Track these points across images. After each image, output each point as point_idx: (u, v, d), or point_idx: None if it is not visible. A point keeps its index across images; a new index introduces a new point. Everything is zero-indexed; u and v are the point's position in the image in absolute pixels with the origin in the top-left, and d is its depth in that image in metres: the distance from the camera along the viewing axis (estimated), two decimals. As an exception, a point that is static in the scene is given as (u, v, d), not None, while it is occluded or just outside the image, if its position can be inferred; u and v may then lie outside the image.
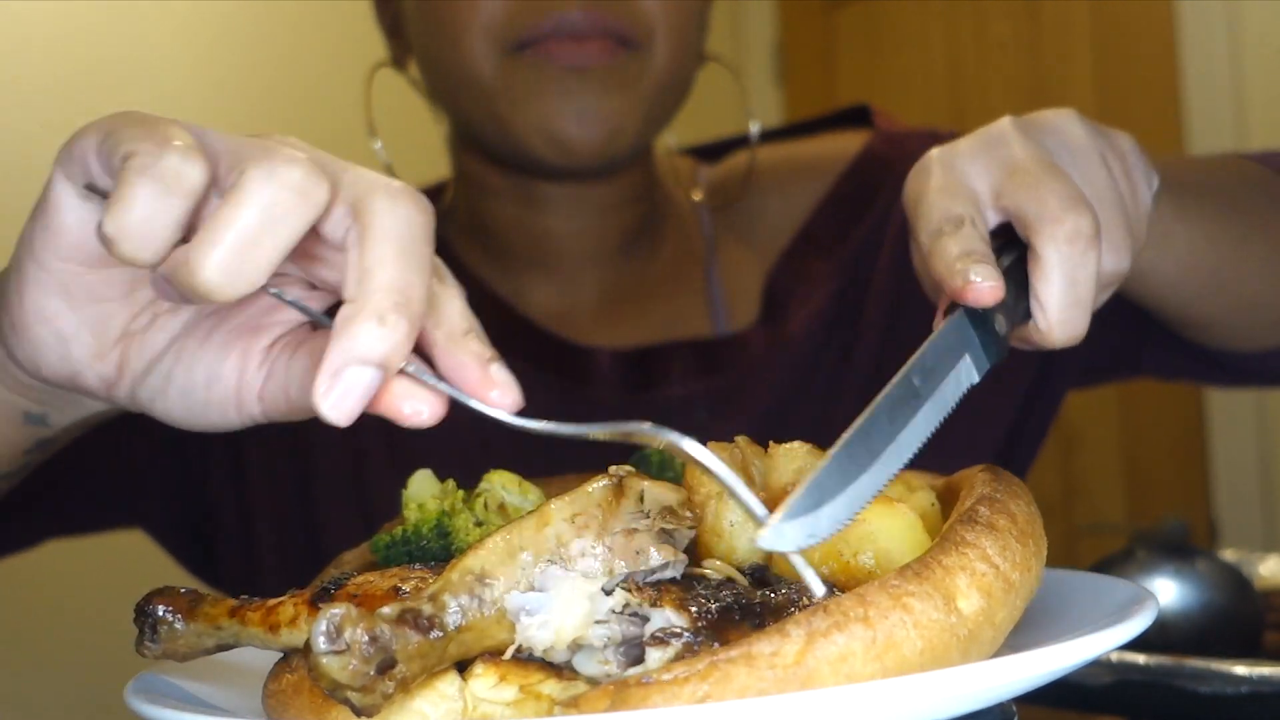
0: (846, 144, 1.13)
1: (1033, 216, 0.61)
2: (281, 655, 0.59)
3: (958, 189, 0.63)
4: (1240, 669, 0.87)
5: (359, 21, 3.01)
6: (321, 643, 0.46)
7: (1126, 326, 1.01)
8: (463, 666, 0.53)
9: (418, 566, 0.58)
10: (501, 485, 0.67)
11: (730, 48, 3.53)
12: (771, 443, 0.61)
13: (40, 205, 0.55)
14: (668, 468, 0.71)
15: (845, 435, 0.53)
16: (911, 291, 0.85)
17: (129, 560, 2.42)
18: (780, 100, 3.50)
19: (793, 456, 0.60)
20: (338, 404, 0.48)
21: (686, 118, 1.09)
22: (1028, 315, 0.63)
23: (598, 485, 0.54)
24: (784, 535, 0.49)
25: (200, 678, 0.64)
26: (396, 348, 0.49)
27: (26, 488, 0.81)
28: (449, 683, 0.52)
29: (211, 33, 2.75)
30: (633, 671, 0.50)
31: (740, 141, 1.17)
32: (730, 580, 0.55)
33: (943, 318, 0.61)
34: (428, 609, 0.49)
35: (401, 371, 0.51)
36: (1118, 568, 1.12)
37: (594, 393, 1.04)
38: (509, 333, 1.05)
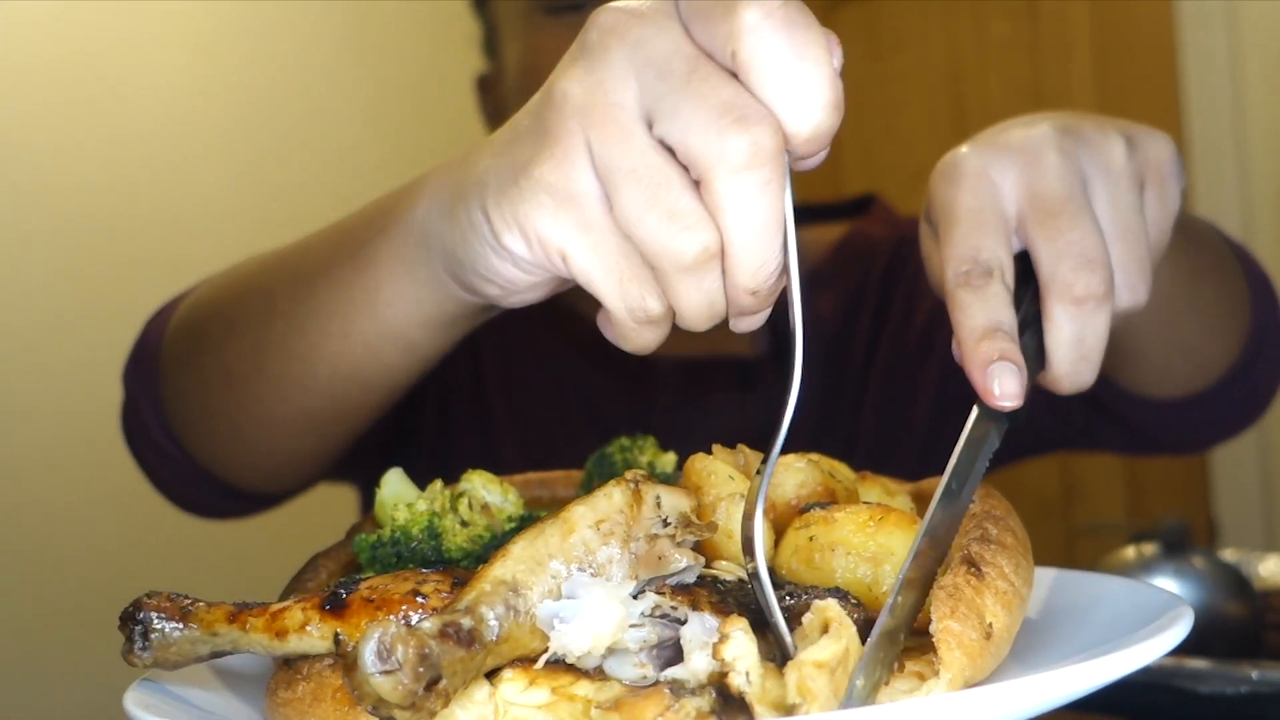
0: (837, 230, 1.41)
1: (1047, 272, 0.63)
2: (284, 661, 0.56)
3: (987, 216, 0.65)
4: (1240, 669, 0.87)
5: (358, 21, 3.02)
6: (372, 662, 0.44)
7: (1082, 407, 1.12)
8: (488, 672, 0.52)
9: (428, 570, 0.56)
10: (482, 485, 0.66)
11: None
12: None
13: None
14: (632, 464, 0.71)
15: (911, 549, 0.53)
16: (892, 334, 1.26)
17: (129, 564, 2.43)
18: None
19: (793, 471, 0.63)
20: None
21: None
22: (1043, 359, 0.65)
23: (618, 491, 0.54)
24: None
25: (197, 685, 0.61)
26: None
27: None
28: (478, 688, 0.51)
29: (211, 33, 2.75)
30: (670, 672, 0.50)
31: None
32: (742, 581, 0.55)
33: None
34: (467, 622, 0.48)
35: None
36: (1118, 567, 1.12)
37: (653, 394, 1.26)
38: (585, 341, 1.26)
